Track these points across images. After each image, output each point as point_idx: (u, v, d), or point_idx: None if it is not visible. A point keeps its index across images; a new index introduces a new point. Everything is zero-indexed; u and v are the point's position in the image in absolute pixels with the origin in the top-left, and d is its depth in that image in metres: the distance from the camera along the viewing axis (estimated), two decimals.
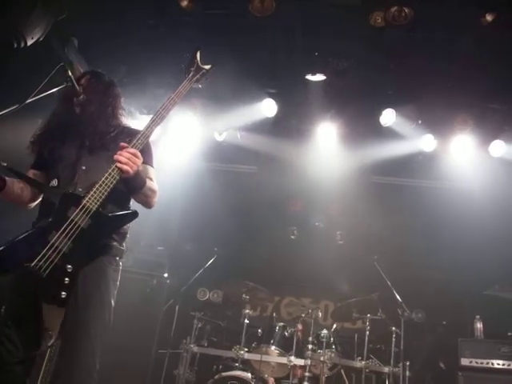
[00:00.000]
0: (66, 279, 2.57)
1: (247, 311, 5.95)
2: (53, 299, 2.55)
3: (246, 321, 5.87)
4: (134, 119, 6.34)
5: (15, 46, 4.00)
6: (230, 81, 5.93)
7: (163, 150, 6.45)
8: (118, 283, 2.96)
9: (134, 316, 5.41)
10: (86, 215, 2.62)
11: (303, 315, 6.04)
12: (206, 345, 6.10)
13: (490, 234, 6.14)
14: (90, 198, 2.64)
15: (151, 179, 3.05)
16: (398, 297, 5.91)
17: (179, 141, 6.71)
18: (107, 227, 2.78)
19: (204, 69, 3.22)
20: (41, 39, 4.21)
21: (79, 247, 2.61)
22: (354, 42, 5.31)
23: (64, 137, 3.05)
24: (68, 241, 2.56)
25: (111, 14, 5.04)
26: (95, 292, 2.77)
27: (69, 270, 2.58)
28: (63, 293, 2.55)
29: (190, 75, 3.17)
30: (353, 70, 5.72)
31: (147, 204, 3.03)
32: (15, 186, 2.90)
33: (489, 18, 4.74)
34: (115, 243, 2.94)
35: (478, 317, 5.88)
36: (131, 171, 2.70)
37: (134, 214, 2.84)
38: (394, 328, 5.71)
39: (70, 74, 2.96)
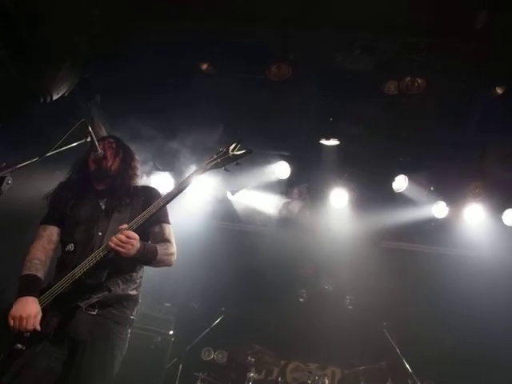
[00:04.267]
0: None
1: (252, 374, 5.80)
2: None
3: None
4: (150, 176, 6.49)
5: (41, 100, 4.16)
6: (245, 142, 6.05)
7: (175, 207, 6.51)
8: (125, 351, 2.95)
9: (136, 372, 5.29)
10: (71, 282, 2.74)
11: (309, 382, 5.86)
12: None
13: (502, 301, 6.01)
14: (80, 267, 2.75)
15: (168, 240, 3.10)
16: (407, 366, 5.73)
17: (192, 199, 6.78)
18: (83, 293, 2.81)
19: (235, 156, 2.97)
20: (66, 94, 4.38)
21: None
22: (368, 108, 5.45)
23: (81, 196, 3.13)
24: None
25: (134, 74, 5.23)
26: (100, 364, 2.78)
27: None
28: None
29: (215, 160, 2.99)
30: (366, 136, 5.84)
31: (166, 266, 3.09)
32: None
33: (499, 90, 4.86)
34: (127, 312, 2.96)
35: None
36: (125, 252, 2.75)
37: None
38: None
39: (91, 129, 3.06)
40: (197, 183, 6.43)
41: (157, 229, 3.08)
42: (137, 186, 3.24)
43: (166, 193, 2.98)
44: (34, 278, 2.85)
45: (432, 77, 4.94)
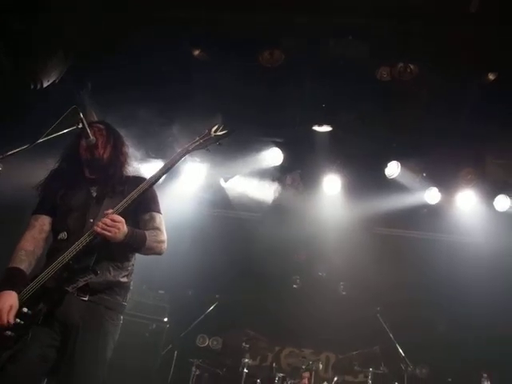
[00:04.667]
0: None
1: (246, 360, 5.84)
2: None
3: (245, 370, 5.75)
4: (142, 163, 6.45)
5: (32, 87, 4.13)
6: (238, 129, 6.03)
7: (168, 194, 6.51)
8: (117, 337, 2.95)
9: (131, 360, 5.32)
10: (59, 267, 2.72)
11: (303, 367, 5.91)
12: None
13: (494, 286, 6.07)
14: (68, 252, 2.74)
15: (158, 228, 3.06)
16: (400, 351, 5.79)
17: (185, 186, 6.77)
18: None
19: (217, 136, 3.00)
20: (56, 81, 4.34)
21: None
22: (361, 94, 5.44)
23: (72, 184, 3.09)
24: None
25: (125, 60, 5.19)
26: (92, 350, 2.77)
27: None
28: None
29: (198, 141, 3.01)
30: (359, 122, 5.83)
31: (156, 254, 3.05)
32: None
33: (491, 76, 4.86)
34: (118, 298, 2.96)
35: (485, 375, 5.64)
36: (111, 235, 2.73)
37: None
38: (396, 383, 5.56)
39: (82, 116, 3.03)
40: (189, 170, 6.57)
41: (147, 217, 3.06)
42: (128, 175, 3.21)
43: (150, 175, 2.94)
44: (15, 271, 2.83)
45: (425, 63, 4.94)
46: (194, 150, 3.00)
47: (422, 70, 4.96)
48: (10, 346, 2.61)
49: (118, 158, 3.17)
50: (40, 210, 3.08)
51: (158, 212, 3.15)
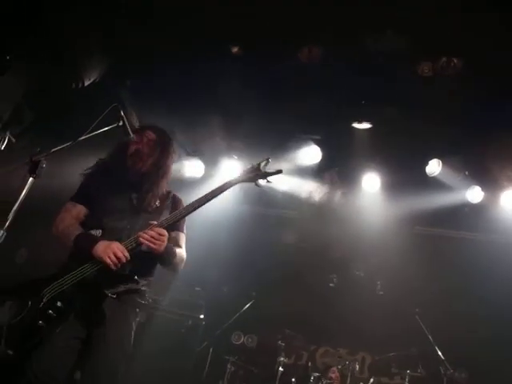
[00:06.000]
0: None
1: (282, 359, 5.81)
2: None
3: (281, 369, 5.72)
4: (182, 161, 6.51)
5: (73, 86, 4.20)
6: (275, 126, 6.02)
7: (206, 190, 6.53)
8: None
9: (167, 356, 5.36)
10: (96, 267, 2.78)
11: (340, 367, 5.85)
12: None
13: None
14: None
15: (182, 247, 3.20)
16: (440, 353, 5.64)
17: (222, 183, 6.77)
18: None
19: (267, 173, 3.22)
20: (97, 80, 4.41)
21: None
22: (402, 91, 5.32)
23: (115, 183, 3.15)
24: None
25: (164, 58, 5.23)
26: (116, 344, 2.89)
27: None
28: None
29: (247, 174, 3.20)
30: (399, 119, 5.72)
31: (174, 271, 3.23)
32: None
33: None
34: (143, 299, 3.09)
35: None
36: (156, 248, 2.82)
37: None
38: None
39: (123, 114, 3.07)
40: (226, 166, 6.58)
41: (173, 234, 3.16)
42: (164, 192, 3.25)
43: (194, 200, 3.04)
44: (89, 234, 2.94)
45: (469, 57, 4.78)
46: (243, 182, 3.18)
47: (466, 64, 4.81)
48: (40, 336, 2.68)
49: (157, 173, 3.21)
50: (79, 198, 3.13)
51: (183, 232, 3.28)
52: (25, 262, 5.98)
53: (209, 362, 6.09)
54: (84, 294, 2.78)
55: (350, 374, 5.63)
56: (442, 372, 5.51)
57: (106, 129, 3.04)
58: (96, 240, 2.84)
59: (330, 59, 5.07)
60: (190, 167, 6.86)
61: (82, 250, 2.83)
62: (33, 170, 2.50)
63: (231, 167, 6.70)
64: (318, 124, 6.22)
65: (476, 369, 6.27)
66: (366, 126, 5.88)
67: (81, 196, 3.14)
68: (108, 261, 2.72)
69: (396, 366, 5.88)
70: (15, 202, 2.45)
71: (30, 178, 2.50)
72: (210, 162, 6.86)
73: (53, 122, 4.43)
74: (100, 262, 2.75)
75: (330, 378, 5.70)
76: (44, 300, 2.68)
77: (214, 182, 6.68)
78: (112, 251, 2.73)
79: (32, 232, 5.54)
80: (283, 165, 6.59)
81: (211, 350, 6.15)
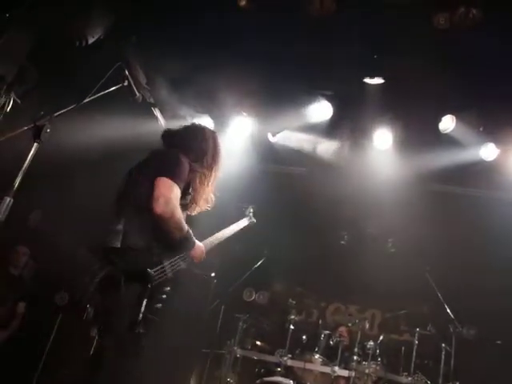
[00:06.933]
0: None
1: (293, 317, 5.87)
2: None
3: (292, 326, 5.79)
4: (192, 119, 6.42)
5: (77, 44, 4.09)
6: (286, 81, 5.88)
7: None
8: None
9: (179, 314, 5.43)
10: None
11: (350, 324, 5.91)
12: (249, 348, 6.07)
13: None
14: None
15: None
16: (449, 311, 5.66)
17: (232, 142, 6.71)
18: None
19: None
20: (101, 38, 4.29)
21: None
22: (415, 44, 5.14)
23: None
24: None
25: (169, 14, 5.08)
26: None
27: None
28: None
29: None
30: (412, 74, 5.54)
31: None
32: None
33: None
34: None
35: None
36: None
37: None
38: (443, 344, 5.47)
39: (127, 73, 2.99)
40: (235, 124, 6.47)
41: None
42: None
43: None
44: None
45: (489, 7, 4.55)
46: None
47: (486, 15, 4.59)
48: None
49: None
50: (180, 182, 3.01)
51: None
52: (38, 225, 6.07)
53: (221, 320, 6.17)
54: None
55: (359, 332, 5.67)
56: (451, 330, 5.54)
57: (112, 89, 2.97)
58: (194, 240, 3.18)
59: (341, 11, 4.87)
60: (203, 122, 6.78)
61: (185, 245, 3.10)
62: (37, 134, 2.43)
63: (241, 124, 6.60)
64: (329, 79, 6.06)
65: (485, 326, 6.32)
66: (378, 81, 5.71)
67: (182, 180, 3.01)
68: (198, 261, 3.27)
69: (405, 324, 5.94)
70: (21, 167, 2.40)
71: (35, 144, 2.44)
72: (219, 120, 6.76)
73: (57, 82, 4.35)
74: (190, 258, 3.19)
75: (340, 336, 5.77)
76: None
77: (223, 139, 6.60)
78: (202, 255, 3.32)
79: (43, 195, 5.58)
80: (294, 121, 6.50)
81: (223, 307, 6.22)
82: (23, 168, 2.40)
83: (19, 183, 2.39)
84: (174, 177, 2.92)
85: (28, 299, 6.04)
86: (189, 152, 3.20)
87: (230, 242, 7.23)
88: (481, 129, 6.07)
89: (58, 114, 2.55)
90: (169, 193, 2.85)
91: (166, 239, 2.95)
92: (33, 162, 2.43)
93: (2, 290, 5.87)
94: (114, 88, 2.95)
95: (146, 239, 2.88)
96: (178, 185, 2.92)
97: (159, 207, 2.79)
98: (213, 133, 3.55)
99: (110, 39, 4.52)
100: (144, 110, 5.81)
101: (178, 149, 3.18)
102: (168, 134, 3.42)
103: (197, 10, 5.16)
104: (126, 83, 3.00)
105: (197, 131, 3.43)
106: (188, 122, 3.58)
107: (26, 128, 2.41)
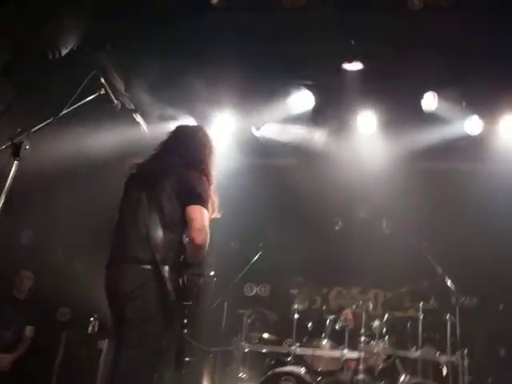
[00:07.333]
0: None
1: (296, 306, 5.87)
2: None
3: (296, 315, 5.80)
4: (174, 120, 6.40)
5: (50, 57, 4.06)
6: (265, 75, 5.87)
7: None
8: None
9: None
10: None
11: (354, 307, 5.93)
12: (256, 341, 6.07)
13: None
14: None
15: None
16: (450, 284, 5.69)
17: (217, 140, 6.69)
18: None
19: None
20: (74, 48, 4.26)
21: None
22: (392, 26, 5.15)
23: None
24: None
25: (142, 18, 5.05)
26: None
27: None
28: None
29: None
30: (390, 56, 5.55)
31: None
32: None
33: None
34: None
35: None
36: None
37: None
38: (448, 315, 5.49)
39: (104, 81, 2.96)
40: (218, 122, 6.46)
41: None
42: None
43: None
44: None
45: None
46: None
47: None
48: None
49: None
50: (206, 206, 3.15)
51: None
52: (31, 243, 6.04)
53: (225, 317, 6.17)
54: None
55: (364, 313, 5.69)
56: (454, 301, 5.56)
57: (89, 98, 2.95)
58: None
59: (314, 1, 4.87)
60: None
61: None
62: (16, 152, 2.39)
63: (224, 121, 6.59)
64: (308, 69, 6.06)
65: (486, 294, 6.38)
66: (357, 66, 5.72)
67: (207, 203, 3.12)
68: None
69: (409, 300, 5.97)
70: (3, 187, 2.36)
71: (15, 161, 2.40)
72: (202, 119, 6.74)
73: (33, 96, 4.31)
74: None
75: (345, 320, 5.79)
76: None
77: None
78: None
79: (33, 213, 5.55)
80: (277, 113, 6.50)
81: (226, 304, 6.22)
82: (5, 188, 2.35)
83: (3, 203, 2.34)
84: (205, 203, 3.07)
85: (36, 323, 6.03)
86: (196, 165, 3.26)
87: (225, 239, 7.32)
88: (463, 104, 6.09)
89: (35, 129, 2.52)
90: (205, 222, 3.00)
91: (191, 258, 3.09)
92: (15, 180, 2.40)
93: (7, 314, 5.87)
94: (90, 97, 2.92)
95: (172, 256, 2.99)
96: (207, 210, 3.06)
97: (199, 239, 2.96)
98: (205, 135, 3.55)
99: (84, 48, 4.48)
100: (125, 116, 5.79)
101: (188, 163, 3.24)
102: (167, 142, 3.43)
103: (170, 10, 5.14)
104: (102, 91, 2.97)
105: (195, 138, 3.45)
106: (177, 123, 3.56)
107: (3, 147, 2.37)
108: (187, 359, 3.05)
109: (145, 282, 2.84)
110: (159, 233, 2.95)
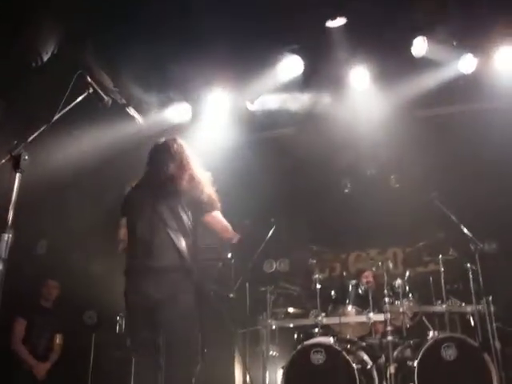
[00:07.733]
0: None
1: (317, 276, 5.84)
2: None
3: (318, 285, 5.78)
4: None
5: (33, 65, 3.98)
6: (250, 46, 5.76)
7: (200, 132, 6.41)
8: None
9: (207, 303, 5.42)
10: None
11: (374, 269, 5.91)
12: (282, 317, 6.07)
13: None
14: None
15: None
16: (466, 231, 5.63)
17: (214, 119, 6.63)
18: None
19: None
20: (55, 52, 4.17)
21: None
22: None
23: None
24: None
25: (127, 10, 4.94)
26: None
27: None
28: None
29: None
30: (374, 5, 5.41)
31: None
32: None
33: None
34: None
35: None
36: None
37: None
38: (469, 264, 5.45)
39: (90, 80, 2.91)
40: (212, 101, 6.40)
41: None
42: None
43: None
44: None
45: None
46: None
47: None
48: None
49: None
50: None
51: None
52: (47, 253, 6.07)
53: (248, 297, 6.16)
54: None
55: (385, 273, 5.65)
56: (473, 248, 5.51)
57: (79, 99, 2.91)
58: None
59: None
60: (176, 112, 6.71)
61: None
62: (16, 164, 2.40)
63: (217, 100, 6.53)
64: (292, 32, 5.93)
65: (504, 237, 6.32)
66: (340, 21, 5.60)
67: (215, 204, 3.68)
68: None
69: (428, 254, 5.91)
70: (10, 201, 2.35)
71: (17, 174, 2.39)
72: (195, 101, 6.67)
73: (23, 106, 4.25)
74: None
75: (367, 282, 5.78)
76: None
77: (204, 122, 6.55)
78: None
79: (44, 223, 5.54)
80: (268, 84, 6.40)
81: (248, 284, 6.21)
82: (12, 201, 2.35)
83: (13, 217, 2.34)
84: (214, 207, 3.60)
85: (65, 329, 6.15)
86: (182, 175, 3.47)
87: (238, 218, 7.26)
88: (454, 43, 5.95)
89: (31, 138, 2.50)
90: (225, 222, 3.71)
91: None
92: (20, 192, 2.39)
93: (38, 324, 5.98)
94: (80, 98, 2.88)
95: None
96: (218, 210, 3.62)
97: (230, 234, 3.76)
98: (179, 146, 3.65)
99: (65, 50, 4.38)
100: (119, 112, 5.73)
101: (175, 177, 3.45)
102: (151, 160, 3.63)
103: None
104: (91, 90, 2.93)
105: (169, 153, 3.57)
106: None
107: (3, 161, 2.36)
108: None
109: (178, 289, 3.09)
110: (182, 241, 3.21)
